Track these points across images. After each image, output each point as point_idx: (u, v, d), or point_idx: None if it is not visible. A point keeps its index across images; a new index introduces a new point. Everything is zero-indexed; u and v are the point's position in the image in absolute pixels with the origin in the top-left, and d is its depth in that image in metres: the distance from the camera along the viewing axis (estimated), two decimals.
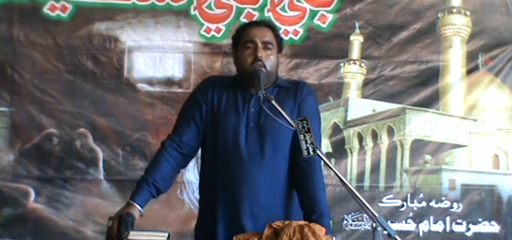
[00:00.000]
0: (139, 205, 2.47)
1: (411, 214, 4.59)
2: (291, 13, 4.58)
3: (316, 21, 4.58)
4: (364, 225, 4.51)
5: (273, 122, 2.51)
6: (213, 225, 2.60)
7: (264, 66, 2.58)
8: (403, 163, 4.63)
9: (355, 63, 4.62)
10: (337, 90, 4.63)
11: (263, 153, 2.58)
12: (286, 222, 2.26)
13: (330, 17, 4.58)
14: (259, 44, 2.61)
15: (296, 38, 4.57)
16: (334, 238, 2.36)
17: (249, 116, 2.61)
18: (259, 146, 2.59)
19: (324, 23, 4.58)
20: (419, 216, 4.59)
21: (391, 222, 4.46)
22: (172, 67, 4.56)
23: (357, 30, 4.61)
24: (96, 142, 4.47)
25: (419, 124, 4.64)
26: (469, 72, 4.67)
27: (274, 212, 2.55)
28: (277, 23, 4.53)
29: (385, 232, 2.18)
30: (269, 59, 2.61)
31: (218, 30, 4.55)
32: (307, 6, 4.58)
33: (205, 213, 2.70)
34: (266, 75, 2.57)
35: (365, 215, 4.47)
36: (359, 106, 4.63)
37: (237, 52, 2.69)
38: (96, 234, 4.32)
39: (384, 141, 4.63)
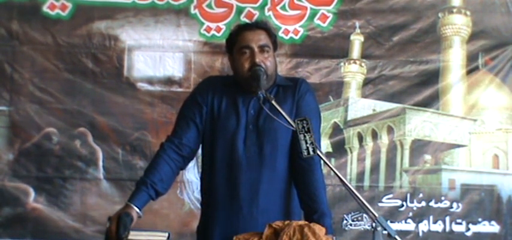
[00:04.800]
0: (137, 207, 2.45)
1: (411, 214, 4.58)
2: (291, 12, 4.57)
3: (316, 20, 4.57)
4: (364, 225, 4.50)
5: (272, 122, 2.51)
6: (213, 228, 2.60)
7: (264, 69, 2.54)
8: (402, 163, 4.63)
9: (355, 63, 4.61)
10: (338, 89, 4.62)
11: (262, 155, 2.57)
12: (286, 222, 2.25)
13: (331, 16, 4.57)
14: (256, 49, 2.56)
15: (296, 37, 4.57)
16: (334, 238, 2.35)
17: (248, 118, 2.59)
18: (258, 148, 2.57)
19: (324, 22, 4.57)
20: (419, 216, 4.58)
21: (391, 222, 4.45)
22: (173, 66, 4.56)
23: (357, 30, 4.60)
24: (96, 141, 4.47)
25: (419, 124, 4.64)
26: (469, 72, 4.67)
27: (273, 212, 2.54)
28: (277, 22, 4.54)
29: (385, 232, 2.18)
30: (267, 62, 2.57)
31: (218, 29, 4.54)
32: (308, 5, 4.57)
33: (205, 216, 2.69)
34: (266, 78, 2.53)
35: (365, 215, 4.46)
36: (359, 106, 4.62)
37: (232, 57, 2.64)
38: (95, 234, 4.31)
39: (384, 141, 4.62)
